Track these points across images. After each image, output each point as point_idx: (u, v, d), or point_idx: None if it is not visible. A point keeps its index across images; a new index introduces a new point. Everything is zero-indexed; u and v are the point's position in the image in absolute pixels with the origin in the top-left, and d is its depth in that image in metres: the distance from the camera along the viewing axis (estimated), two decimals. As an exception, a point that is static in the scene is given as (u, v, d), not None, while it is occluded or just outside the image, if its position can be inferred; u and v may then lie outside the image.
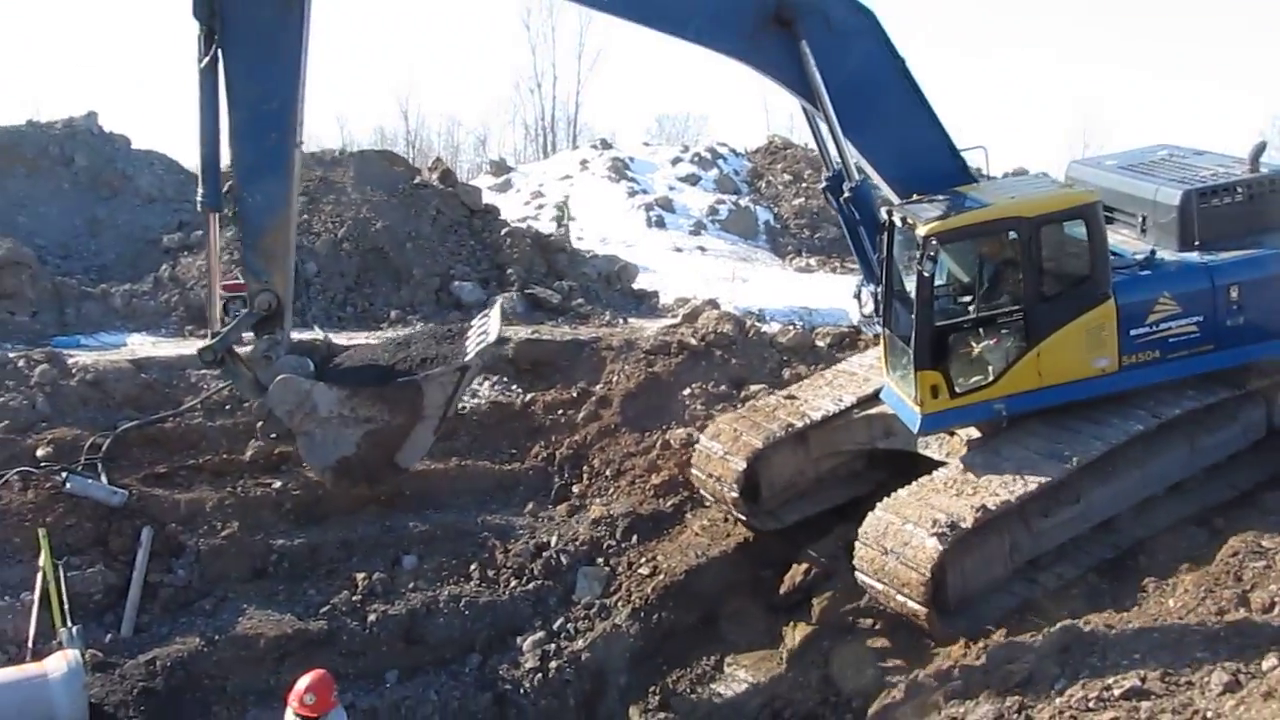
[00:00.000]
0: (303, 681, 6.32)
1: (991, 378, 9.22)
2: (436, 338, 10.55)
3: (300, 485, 11.00)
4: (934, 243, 8.78)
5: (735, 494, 10.44)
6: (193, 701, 9.05)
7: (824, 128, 9.91)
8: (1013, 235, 9.11)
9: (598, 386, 13.13)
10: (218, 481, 10.93)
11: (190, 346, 12.95)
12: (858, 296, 12.24)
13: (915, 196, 9.40)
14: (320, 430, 9.12)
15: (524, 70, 48.98)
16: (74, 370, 11.76)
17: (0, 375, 11.44)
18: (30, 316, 13.54)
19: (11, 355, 11.85)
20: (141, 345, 13.20)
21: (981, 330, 9.28)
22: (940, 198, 9.26)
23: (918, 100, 9.62)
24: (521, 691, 9.86)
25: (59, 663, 8.08)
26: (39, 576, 9.32)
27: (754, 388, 12.98)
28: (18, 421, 10.94)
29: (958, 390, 9.17)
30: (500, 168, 34.27)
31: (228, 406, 11.86)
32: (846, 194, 9.51)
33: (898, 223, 9.36)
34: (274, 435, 10.84)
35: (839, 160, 9.62)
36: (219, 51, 8.50)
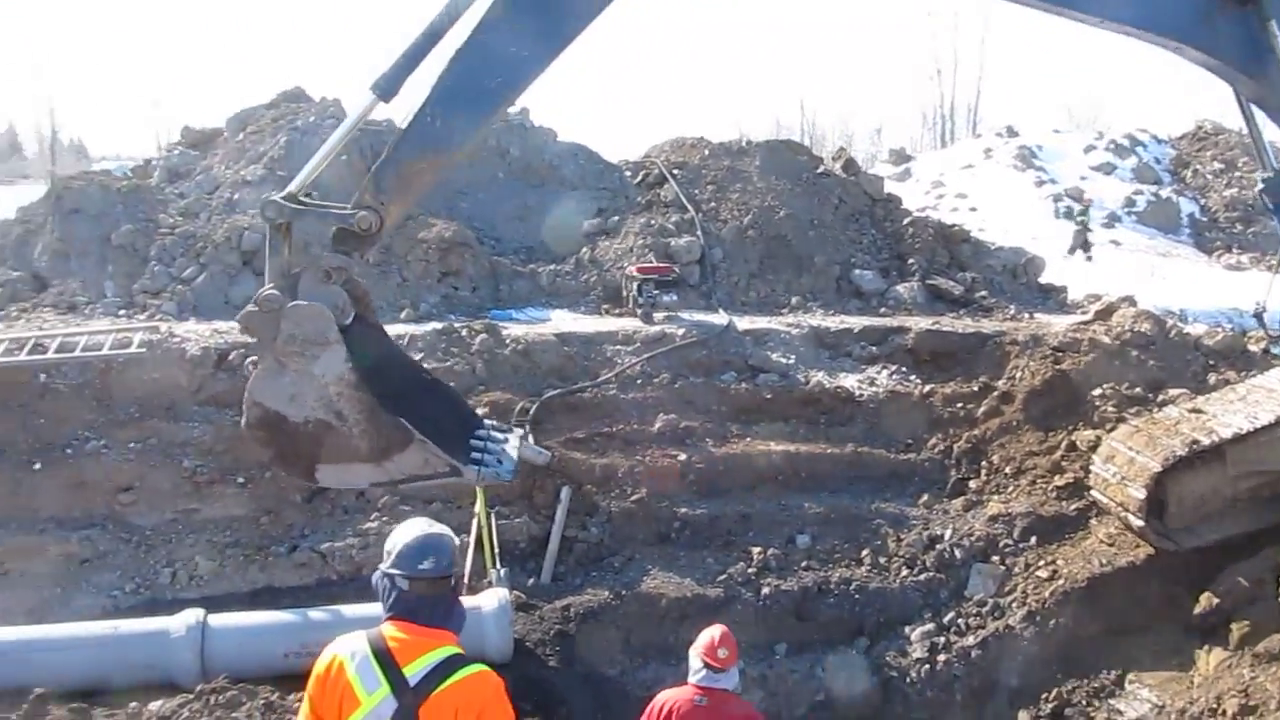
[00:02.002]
0: (715, 632, 6.60)
1: None
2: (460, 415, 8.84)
3: (703, 459, 11.57)
4: None
5: (1140, 521, 9.79)
6: (600, 648, 9.73)
7: (1262, 118, 9.01)
8: None
9: (1000, 381, 12.76)
10: (628, 449, 11.68)
11: (608, 324, 14.04)
12: (1259, 315, 11.12)
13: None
14: (294, 380, 7.38)
15: (922, 57, 47.85)
16: (507, 341, 12.95)
17: (448, 342, 12.80)
18: (471, 291, 15.10)
19: (456, 325, 13.22)
20: (563, 320, 14.33)
21: None
22: None
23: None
24: (908, 680, 9.82)
25: (491, 599, 8.97)
26: (474, 522, 10.39)
27: (1173, 392, 12.09)
28: (461, 384, 12.18)
29: None
30: (900, 157, 33.87)
31: (639, 380, 12.63)
32: None
33: None
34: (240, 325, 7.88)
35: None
36: None
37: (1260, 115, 8.81)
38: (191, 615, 8.75)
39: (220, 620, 8.84)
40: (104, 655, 8.50)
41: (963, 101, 51.02)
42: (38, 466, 11.05)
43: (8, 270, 15.41)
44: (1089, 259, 23.46)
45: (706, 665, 6.43)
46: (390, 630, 3.88)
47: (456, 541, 4.07)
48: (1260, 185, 9.59)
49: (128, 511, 10.86)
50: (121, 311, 14.04)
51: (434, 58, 7.73)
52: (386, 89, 7.61)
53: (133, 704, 7.89)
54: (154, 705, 7.81)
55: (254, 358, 7.34)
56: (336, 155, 7.81)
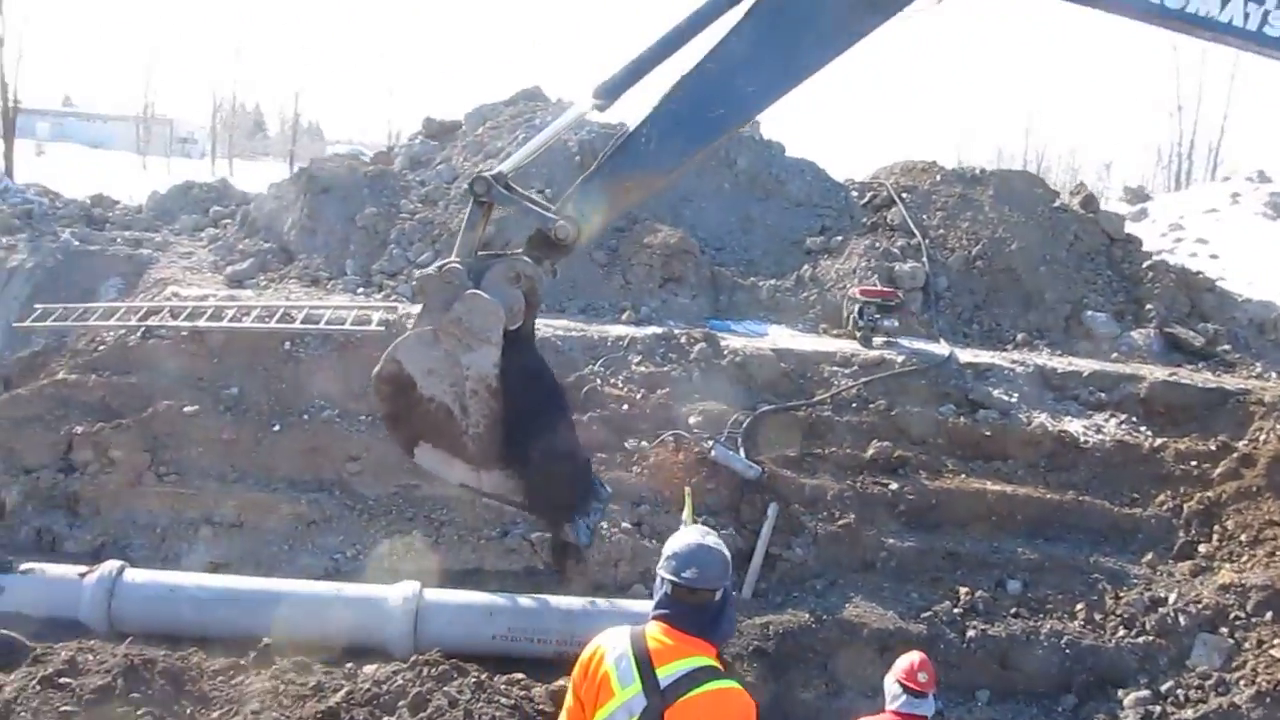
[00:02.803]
0: (914, 657, 6.52)
1: None
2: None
3: (915, 490, 11.35)
4: None
5: None
6: (798, 670, 9.67)
7: None
8: None
9: (1241, 443, 11.99)
10: (839, 473, 11.57)
11: (826, 344, 13.92)
12: None
13: None
14: (442, 357, 7.21)
15: (1162, 91, 45.46)
16: (725, 351, 13.02)
17: (666, 348, 12.97)
18: (690, 299, 15.24)
19: (676, 331, 13.38)
20: (781, 336, 14.29)
21: None
22: None
23: None
24: (1117, 746, 9.40)
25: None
26: (681, 528, 10.48)
27: None
28: (677, 391, 12.35)
29: None
30: (1136, 195, 32.34)
31: (854, 404, 12.49)
32: None
33: None
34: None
35: None
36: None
37: None
38: (409, 587, 9.17)
39: (435, 595, 9.23)
40: (327, 614, 9.01)
41: (1203, 141, 48.05)
42: (276, 428, 11.82)
43: (259, 241, 16.51)
44: None
45: (906, 689, 6.34)
46: (653, 630, 3.99)
47: (728, 555, 4.13)
48: None
49: (354, 480, 11.49)
50: (360, 289, 14.82)
51: (662, 71, 7.51)
52: (606, 97, 7.51)
53: (349, 664, 8.33)
54: (369, 668, 8.22)
55: (415, 313, 7.54)
56: (546, 149, 7.83)
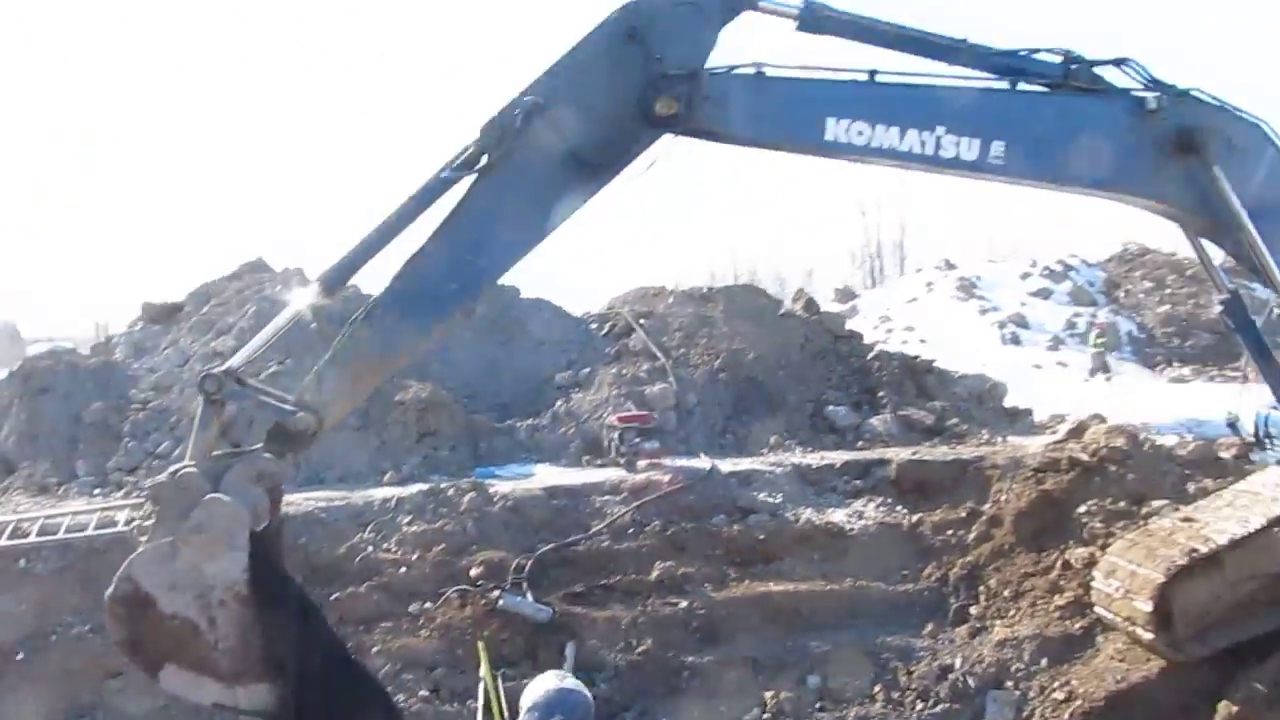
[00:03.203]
0: None
1: None
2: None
3: (704, 604, 11.48)
4: None
5: (1150, 634, 9.87)
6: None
7: (1210, 248, 9.60)
8: None
9: (986, 506, 12.90)
10: (628, 600, 11.56)
11: (592, 474, 14.03)
12: (1233, 425, 11.50)
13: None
14: (182, 571, 6.79)
15: (849, 197, 49.55)
16: (495, 498, 12.88)
17: (436, 503, 12.70)
18: (450, 450, 15.06)
19: (443, 485, 13.15)
20: (548, 474, 14.30)
21: None
22: None
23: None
24: (942, 818, 9.67)
25: (514, 766, 8.71)
26: (480, 686, 10.14)
27: (1156, 504, 12.30)
28: (453, 544, 12.07)
29: None
30: (845, 294, 34.78)
31: (630, 530, 12.59)
32: (1277, 311, 8.95)
33: None
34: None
35: (1233, 282, 9.15)
36: (478, 175, 7.56)
37: (1216, 245, 9.29)
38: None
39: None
40: None
41: (889, 239, 52.58)
42: (21, 656, 10.70)
43: (-30, 458, 15.12)
44: (1108, 379, 24.32)
45: None
46: None
47: (589, 696, 4.02)
48: (1219, 307, 10.08)
49: (118, 698, 10.49)
50: (96, 491, 13.80)
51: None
52: (332, 283, 7.46)
53: None
54: None
55: (145, 525, 6.93)
56: (273, 342, 7.70)
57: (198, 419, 7.08)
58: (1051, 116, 8.64)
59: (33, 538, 11.55)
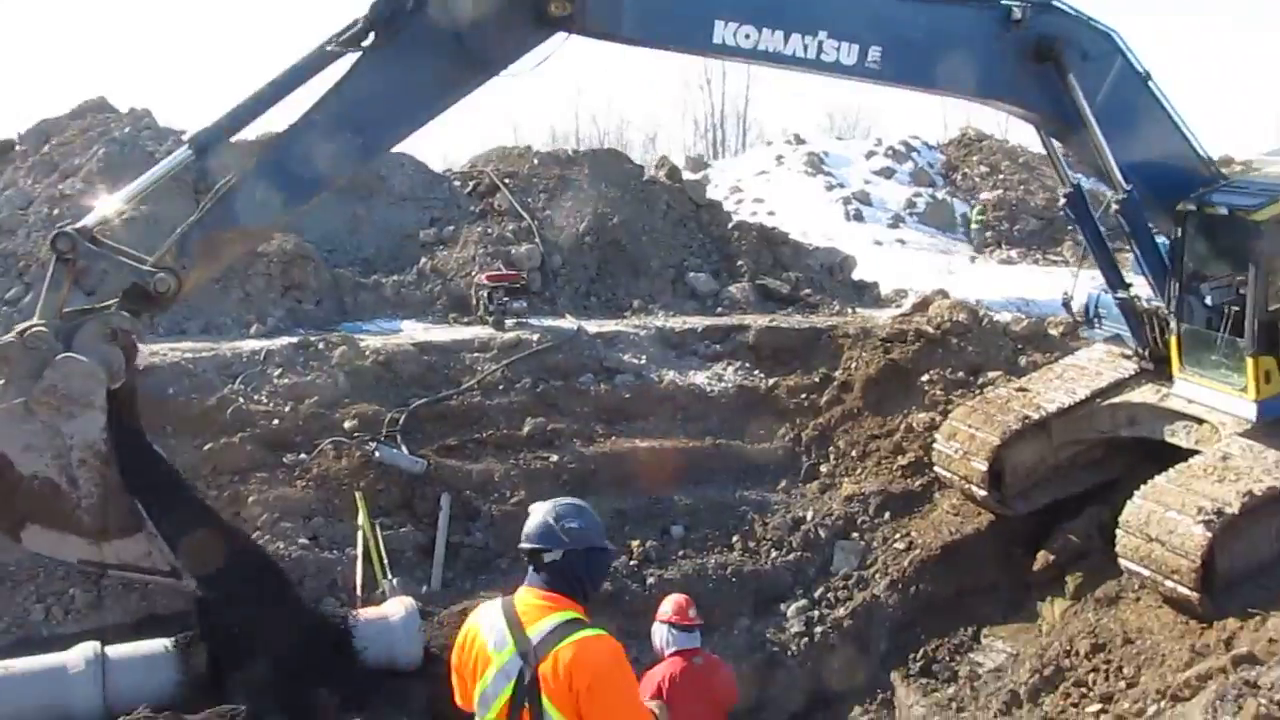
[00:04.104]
0: (678, 598, 6.84)
1: None
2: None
3: (574, 459, 11.97)
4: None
5: (983, 491, 10.86)
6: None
7: (1059, 145, 10.43)
8: None
9: (838, 372, 13.70)
10: (501, 454, 11.94)
11: (461, 332, 14.20)
12: (1067, 305, 12.58)
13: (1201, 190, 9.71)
14: (38, 431, 6.73)
15: (692, 67, 49.22)
16: (366, 352, 12.93)
17: (306, 356, 12.68)
18: (315, 305, 14.92)
19: (313, 338, 13.10)
20: (415, 330, 14.39)
21: None
22: (1245, 185, 9.60)
23: (1166, 110, 9.96)
24: (789, 653, 10.58)
25: (398, 608, 9.07)
26: (359, 534, 10.43)
27: (992, 374, 13.34)
28: (325, 397, 12.13)
29: None
30: (697, 164, 35.06)
31: (501, 386, 12.89)
32: (1115, 206, 9.71)
33: (1213, 213, 9.66)
34: None
35: (1075, 175, 9.94)
36: (363, 54, 7.51)
37: (1065, 144, 10.08)
38: (88, 648, 8.46)
39: (119, 651, 8.58)
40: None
41: (732, 110, 52.72)
42: None
43: None
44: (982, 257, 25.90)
45: (682, 628, 6.68)
46: (521, 596, 4.20)
47: (573, 520, 4.23)
48: (1062, 200, 11.01)
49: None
50: (-62, 338, 13.17)
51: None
52: (203, 147, 7.40)
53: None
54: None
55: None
56: (139, 202, 7.64)
57: (48, 278, 7.11)
58: (926, 24, 9.20)
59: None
